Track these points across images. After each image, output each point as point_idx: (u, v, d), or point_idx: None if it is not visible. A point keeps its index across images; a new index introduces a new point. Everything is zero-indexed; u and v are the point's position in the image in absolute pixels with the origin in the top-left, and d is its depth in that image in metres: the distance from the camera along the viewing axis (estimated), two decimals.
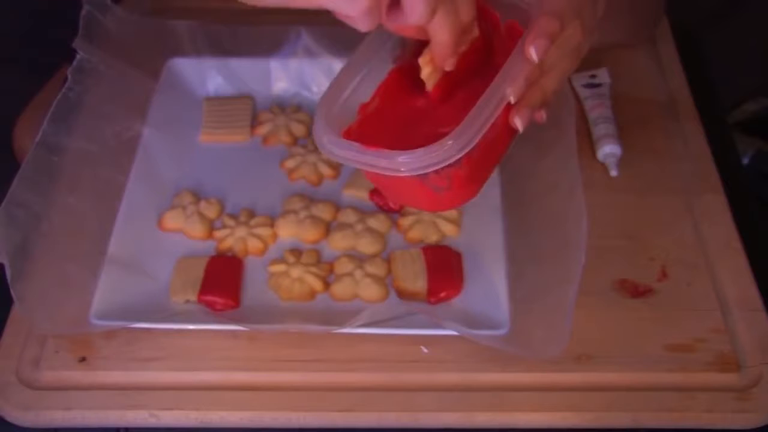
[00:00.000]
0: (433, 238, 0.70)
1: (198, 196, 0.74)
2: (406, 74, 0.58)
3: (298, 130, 0.79)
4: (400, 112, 0.58)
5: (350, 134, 0.56)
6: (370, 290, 0.67)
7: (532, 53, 0.52)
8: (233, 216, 0.72)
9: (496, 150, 0.57)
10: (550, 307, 0.62)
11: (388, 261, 0.69)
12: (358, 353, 0.64)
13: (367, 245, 0.70)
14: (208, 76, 0.82)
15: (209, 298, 0.66)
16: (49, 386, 0.63)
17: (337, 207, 0.73)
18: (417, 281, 0.67)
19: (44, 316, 0.64)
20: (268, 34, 0.81)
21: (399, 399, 0.62)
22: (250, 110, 0.81)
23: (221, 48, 0.83)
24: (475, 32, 0.55)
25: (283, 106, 0.81)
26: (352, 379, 0.63)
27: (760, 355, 0.64)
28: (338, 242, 0.70)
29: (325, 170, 0.76)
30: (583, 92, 0.83)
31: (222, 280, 0.67)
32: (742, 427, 0.62)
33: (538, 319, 0.63)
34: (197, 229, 0.71)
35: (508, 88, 0.52)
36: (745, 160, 1.19)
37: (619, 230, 0.72)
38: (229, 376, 0.63)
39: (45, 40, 0.97)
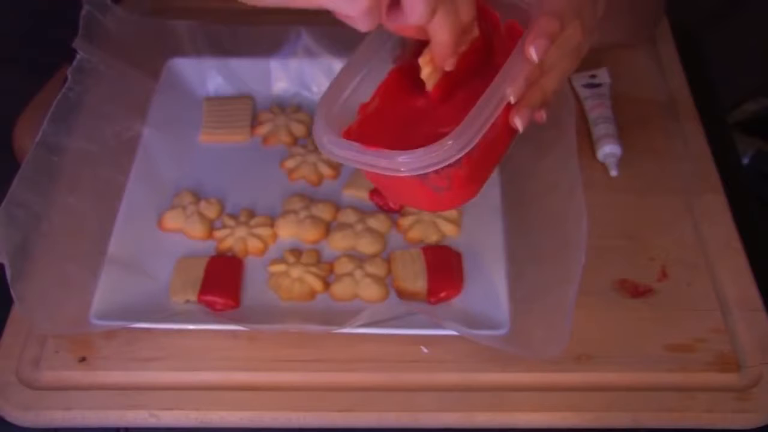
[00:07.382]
0: (433, 238, 0.70)
1: (198, 196, 0.74)
2: (406, 74, 0.58)
3: (298, 130, 0.79)
4: (400, 112, 0.58)
5: (350, 134, 0.56)
6: (370, 290, 0.67)
7: (532, 53, 0.52)
8: (233, 216, 0.72)
9: (496, 150, 0.57)
10: (550, 307, 0.62)
11: (388, 261, 0.69)
12: (358, 353, 0.64)
13: (367, 245, 0.70)
14: (208, 76, 0.82)
15: (209, 298, 0.66)
16: (49, 386, 0.63)
17: (337, 207, 0.73)
18: (417, 281, 0.67)
19: (44, 316, 0.64)
20: (268, 34, 0.81)
21: (399, 399, 0.62)
22: (250, 110, 0.81)
23: (221, 48, 0.83)
24: (475, 32, 0.55)
25: (283, 106, 0.81)
26: (352, 379, 0.63)
27: (760, 355, 0.64)
28: (338, 242, 0.70)
29: (325, 170, 0.76)
30: (583, 92, 0.83)
31: (222, 280, 0.67)
32: (742, 427, 0.62)
33: (538, 319, 0.63)
34: (197, 229, 0.71)
35: (508, 88, 0.52)
36: (745, 160, 1.19)
37: (619, 230, 0.72)
38: (229, 376, 0.63)
39: (45, 40, 0.97)
